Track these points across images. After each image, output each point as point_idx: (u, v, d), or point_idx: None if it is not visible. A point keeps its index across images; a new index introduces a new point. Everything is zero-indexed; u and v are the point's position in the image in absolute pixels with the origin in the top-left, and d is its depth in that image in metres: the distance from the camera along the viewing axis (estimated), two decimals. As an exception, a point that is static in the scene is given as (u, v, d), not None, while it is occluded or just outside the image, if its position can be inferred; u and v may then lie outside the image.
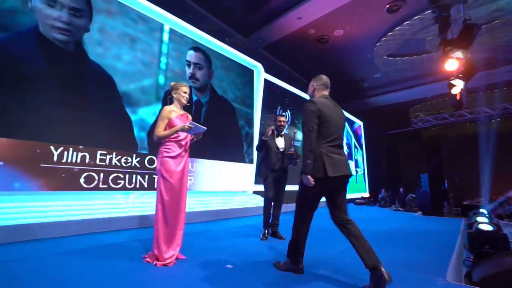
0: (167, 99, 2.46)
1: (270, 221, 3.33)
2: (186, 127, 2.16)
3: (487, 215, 4.88)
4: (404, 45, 7.24)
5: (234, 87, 5.89)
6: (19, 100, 2.91)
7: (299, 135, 6.84)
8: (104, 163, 3.54)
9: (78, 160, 3.31)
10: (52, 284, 1.66)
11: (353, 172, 9.60)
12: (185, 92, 2.36)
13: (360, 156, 12.07)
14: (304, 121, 1.98)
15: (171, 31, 4.66)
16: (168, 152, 2.18)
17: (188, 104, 2.51)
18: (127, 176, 3.76)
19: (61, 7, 3.29)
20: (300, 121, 7.69)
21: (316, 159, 1.85)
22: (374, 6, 5.66)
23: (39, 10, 3.11)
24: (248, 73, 6.36)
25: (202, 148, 4.56)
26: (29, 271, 1.87)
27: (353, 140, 11.57)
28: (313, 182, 1.85)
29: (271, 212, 3.35)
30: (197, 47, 5.13)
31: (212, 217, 4.66)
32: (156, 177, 4.02)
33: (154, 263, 2.07)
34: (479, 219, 4.28)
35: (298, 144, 6.39)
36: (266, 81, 6.72)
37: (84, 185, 3.33)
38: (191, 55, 4.99)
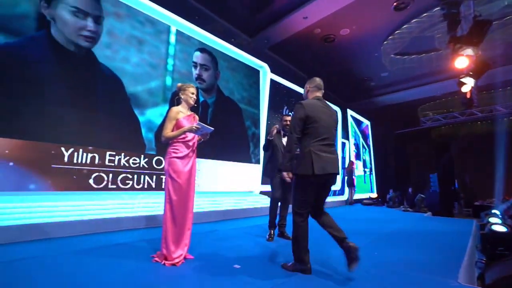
0: (174, 100, 2.48)
1: (276, 221, 3.32)
2: (194, 127, 2.18)
3: (500, 216, 4.76)
4: (412, 43, 7.13)
5: (240, 87, 5.91)
6: (31, 102, 2.98)
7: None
8: (113, 164, 3.59)
9: (88, 161, 3.37)
10: (65, 282, 1.69)
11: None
12: (193, 93, 2.38)
13: (368, 156, 11.94)
14: (290, 123, 2.14)
15: (178, 33, 4.70)
16: (176, 153, 2.20)
17: (196, 105, 2.52)
18: (135, 176, 3.81)
19: (85, 16, 3.45)
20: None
21: (305, 157, 1.97)
22: (381, 4, 5.59)
23: (62, 20, 3.25)
24: (254, 74, 6.36)
25: (209, 148, 4.59)
26: (42, 269, 1.91)
27: (361, 140, 11.45)
28: (289, 179, 2.08)
29: (278, 212, 3.34)
30: (204, 48, 5.17)
31: (219, 217, 4.67)
32: (163, 177, 4.06)
33: (163, 262, 2.09)
34: (492, 220, 4.18)
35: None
36: (272, 81, 6.72)
37: (94, 186, 3.39)
38: (197, 56, 5.03)
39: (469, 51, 4.48)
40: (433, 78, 9.15)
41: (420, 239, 3.70)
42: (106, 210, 3.39)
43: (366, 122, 12.13)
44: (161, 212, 2.24)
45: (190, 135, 2.28)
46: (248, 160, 5.86)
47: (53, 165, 3.07)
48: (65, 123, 3.22)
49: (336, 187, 9.22)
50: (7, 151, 2.76)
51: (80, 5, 3.42)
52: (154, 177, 4.03)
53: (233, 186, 5.39)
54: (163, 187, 4.00)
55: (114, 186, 3.57)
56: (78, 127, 3.35)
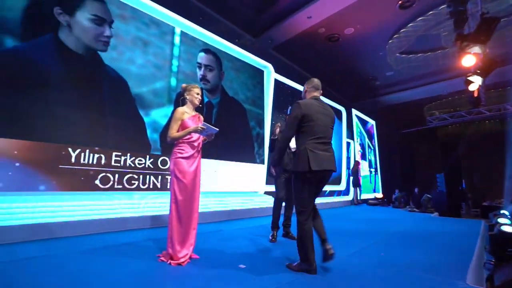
0: (179, 101, 2.49)
1: (281, 221, 3.32)
2: (199, 128, 2.19)
3: (509, 217, 4.67)
4: (418, 41, 7.05)
5: (244, 88, 5.92)
6: (39, 104, 3.03)
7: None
8: (119, 164, 3.63)
9: (95, 162, 3.40)
10: (72, 280, 1.72)
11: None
12: (198, 94, 2.40)
13: (373, 156, 11.85)
14: (286, 120, 2.20)
15: (182, 34, 4.73)
16: (182, 153, 2.21)
17: (200, 106, 2.54)
18: (141, 176, 3.84)
19: (103, 22, 3.61)
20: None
21: (302, 155, 2.04)
22: (386, 2, 5.54)
23: (81, 26, 3.39)
24: (258, 74, 6.37)
25: (213, 149, 4.60)
26: (50, 268, 1.94)
27: (367, 140, 11.37)
28: (273, 172, 2.37)
29: (283, 212, 3.34)
30: (208, 49, 5.18)
31: (225, 217, 4.68)
32: (169, 177, 4.08)
33: (169, 262, 2.11)
34: (501, 220, 4.10)
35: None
36: (276, 81, 6.71)
37: (100, 186, 3.43)
38: (202, 57, 5.05)
39: (476, 49, 4.41)
40: (439, 77, 9.03)
41: (427, 240, 3.66)
42: (112, 210, 3.43)
43: (371, 122, 12.04)
44: (166, 212, 2.26)
45: (195, 136, 2.30)
46: (253, 160, 5.87)
47: (60, 166, 3.12)
48: (72, 124, 3.27)
49: (341, 187, 9.17)
50: (16, 152, 2.81)
51: (99, 12, 3.59)
52: (160, 177, 4.06)
53: (238, 186, 5.40)
54: (168, 187, 4.03)
55: (120, 186, 3.61)
56: (85, 128, 3.39)
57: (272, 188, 4.68)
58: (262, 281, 1.86)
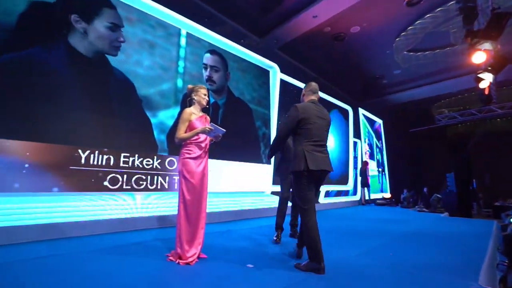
0: (186, 102, 2.51)
1: (288, 221, 3.30)
2: (207, 129, 2.21)
3: (523, 217, 4.55)
4: (426, 39, 6.93)
5: (250, 88, 5.92)
6: (50, 107, 3.09)
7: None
8: (127, 165, 3.67)
9: (104, 163, 3.46)
10: (84, 278, 1.75)
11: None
12: (205, 94, 2.42)
13: (380, 155, 11.71)
14: (284, 120, 2.34)
15: (188, 35, 4.76)
16: (190, 154, 2.23)
17: (207, 106, 2.55)
18: (149, 177, 3.88)
19: (118, 28, 3.76)
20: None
21: (299, 156, 2.14)
22: (392, 0, 5.47)
23: (98, 33, 3.53)
24: (264, 74, 6.37)
25: (219, 149, 4.61)
26: (62, 267, 1.98)
27: (374, 140, 11.25)
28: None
29: (289, 212, 3.32)
30: (213, 50, 5.21)
31: (232, 217, 4.70)
32: (176, 178, 4.12)
33: (177, 261, 2.13)
34: (514, 220, 4.00)
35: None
36: (282, 81, 6.70)
37: (109, 186, 3.48)
38: (207, 58, 5.08)
39: (487, 45, 4.32)
40: (448, 75, 8.86)
41: (438, 240, 3.60)
42: (121, 211, 3.49)
43: (378, 121, 11.90)
44: (174, 213, 2.28)
45: (202, 137, 2.31)
46: (259, 161, 5.86)
47: (71, 167, 3.18)
48: (81, 127, 3.33)
49: (348, 187, 9.09)
50: (28, 153, 2.88)
51: (116, 20, 3.75)
52: (167, 178, 4.10)
53: (244, 186, 5.40)
54: (176, 187, 4.06)
55: (129, 187, 3.65)
56: (94, 130, 3.45)
57: (278, 188, 4.67)
58: (270, 281, 1.86)
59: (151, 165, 3.93)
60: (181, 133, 2.25)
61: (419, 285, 1.91)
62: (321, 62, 7.99)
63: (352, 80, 9.32)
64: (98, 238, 2.97)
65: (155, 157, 4.00)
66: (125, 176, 3.63)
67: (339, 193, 8.46)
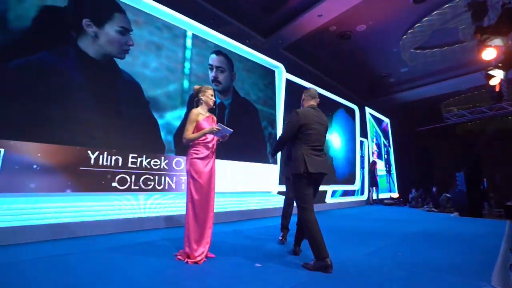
0: (192, 102, 2.53)
1: (294, 221, 3.28)
2: (215, 129, 2.23)
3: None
4: (434, 36, 6.82)
5: (256, 88, 5.93)
6: (60, 109, 3.16)
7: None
8: (135, 166, 3.72)
9: (112, 163, 3.51)
10: (94, 276, 1.78)
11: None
12: (212, 95, 2.44)
13: (387, 155, 11.57)
14: (286, 125, 2.45)
15: (194, 36, 4.80)
16: (197, 154, 2.25)
17: (214, 107, 2.57)
18: (156, 177, 3.92)
19: (127, 32, 3.85)
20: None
21: (299, 159, 2.23)
22: (399, -3, 5.41)
23: (108, 37, 3.63)
24: (269, 74, 6.37)
25: (226, 149, 4.63)
26: (73, 265, 2.02)
27: (382, 139, 11.13)
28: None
29: (295, 212, 3.30)
30: (219, 51, 5.24)
31: (238, 217, 4.71)
32: (183, 178, 4.15)
33: (186, 260, 2.15)
34: (527, 220, 3.90)
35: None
36: (287, 81, 6.69)
37: (118, 187, 3.53)
38: (213, 58, 5.11)
39: (497, 41, 4.22)
40: (457, 72, 8.69)
41: (448, 240, 3.54)
42: (129, 210, 3.54)
43: (386, 120, 11.76)
44: (182, 212, 2.30)
45: (210, 137, 2.33)
46: (265, 161, 5.86)
47: (81, 168, 3.24)
48: (91, 128, 3.39)
49: (355, 187, 9.01)
50: (39, 154, 2.94)
51: (125, 24, 3.84)
52: (174, 178, 4.13)
53: (251, 186, 5.41)
54: (183, 187, 4.10)
55: (137, 187, 3.70)
56: (103, 132, 3.51)
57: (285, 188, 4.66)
58: (278, 280, 1.86)
59: (158, 166, 3.97)
60: (189, 133, 2.27)
61: (429, 286, 1.88)
62: (327, 61, 7.94)
63: (359, 79, 9.23)
64: (107, 238, 3.02)
65: (163, 157, 4.05)
66: (133, 176, 3.68)
67: (345, 193, 8.40)
